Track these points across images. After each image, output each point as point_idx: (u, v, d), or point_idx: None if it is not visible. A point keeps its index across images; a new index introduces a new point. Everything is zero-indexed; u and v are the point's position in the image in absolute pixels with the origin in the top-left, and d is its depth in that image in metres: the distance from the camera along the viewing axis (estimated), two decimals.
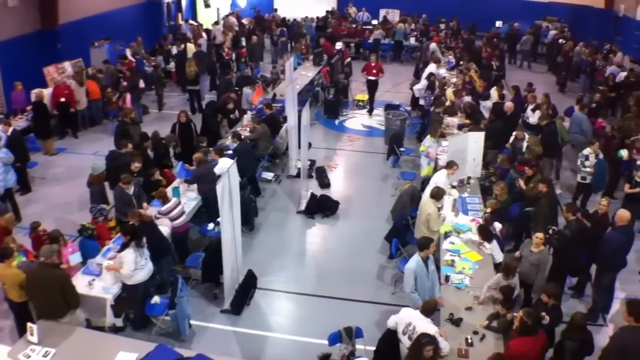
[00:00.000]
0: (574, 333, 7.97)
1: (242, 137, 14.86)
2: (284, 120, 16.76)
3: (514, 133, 14.81)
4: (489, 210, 11.41)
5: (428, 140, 14.28)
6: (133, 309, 9.78)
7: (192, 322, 10.01)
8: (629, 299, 8.15)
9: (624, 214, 10.31)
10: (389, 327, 8.35)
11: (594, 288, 10.65)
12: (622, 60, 24.61)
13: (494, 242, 10.45)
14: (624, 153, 14.49)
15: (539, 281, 9.58)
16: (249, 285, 11.04)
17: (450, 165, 12.33)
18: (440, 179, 12.12)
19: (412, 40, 29.94)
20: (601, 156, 13.64)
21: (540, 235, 9.74)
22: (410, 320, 7.94)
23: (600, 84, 21.82)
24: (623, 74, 21.85)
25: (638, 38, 26.06)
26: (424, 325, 7.80)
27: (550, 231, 10.64)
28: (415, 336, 7.58)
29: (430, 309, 8.06)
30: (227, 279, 10.38)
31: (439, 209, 11.30)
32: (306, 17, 31.79)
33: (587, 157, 13.40)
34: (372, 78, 20.92)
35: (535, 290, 9.63)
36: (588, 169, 13.45)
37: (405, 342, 7.88)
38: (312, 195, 14.36)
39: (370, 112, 21.41)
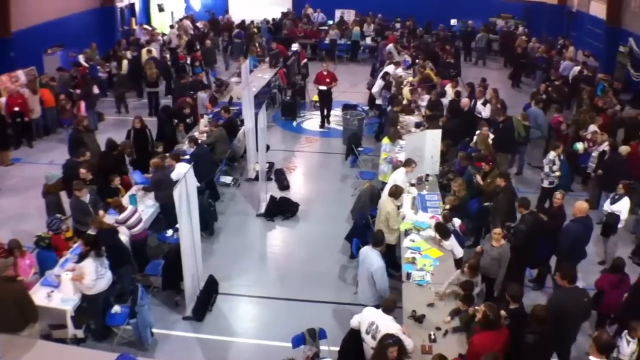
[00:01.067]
0: (535, 326, 8.07)
1: (199, 141, 14.78)
2: (241, 123, 16.68)
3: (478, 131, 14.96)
4: (447, 206, 11.51)
5: (387, 145, 14.27)
6: (94, 320, 9.65)
7: (154, 330, 9.90)
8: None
9: (581, 206, 10.58)
10: (352, 327, 8.38)
11: (554, 280, 10.81)
12: (575, 54, 25.12)
13: (452, 238, 10.56)
14: (579, 146, 14.79)
15: (501, 276, 9.75)
16: (210, 291, 10.97)
17: (408, 163, 12.42)
18: (398, 177, 12.19)
19: (369, 40, 30.16)
20: (562, 157, 13.78)
21: (498, 230, 9.90)
22: (373, 319, 7.99)
23: (555, 79, 22.26)
24: (577, 68, 22.36)
25: (591, 32, 26.60)
26: (387, 323, 7.86)
27: (510, 229, 10.81)
28: (378, 335, 7.64)
29: (390, 306, 8.12)
30: (187, 285, 10.33)
31: (399, 207, 11.39)
32: (265, 19, 31.69)
33: (554, 162, 13.38)
34: (324, 88, 19.68)
35: (496, 285, 9.78)
36: (557, 173, 13.45)
37: (369, 342, 7.94)
38: (272, 197, 14.35)
39: (324, 123, 20.29)
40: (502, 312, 8.15)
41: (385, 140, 14.27)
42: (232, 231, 13.44)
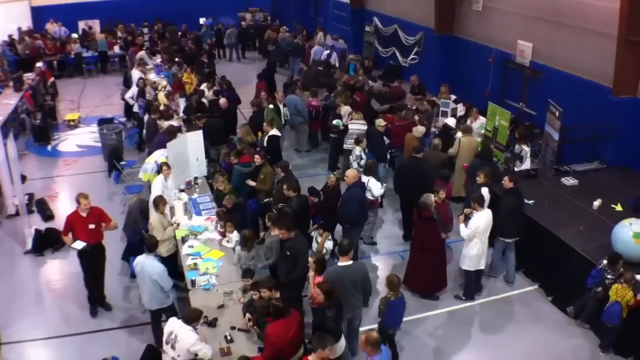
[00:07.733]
0: (330, 300, 8.35)
1: None
2: None
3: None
4: (230, 206, 11.70)
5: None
6: None
7: None
8: None
9: (352, 173, 11.66)
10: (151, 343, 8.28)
11: None
12: (325, 39, 26.53)
13: (235, 232, 10.81)
14: (340, 122, 15.80)
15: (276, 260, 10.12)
16: None
17: (161, 168, 12.45)
18: (156, 185, 12.24)
19: (117, 49, 29.35)
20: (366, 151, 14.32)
21: (267, 221, 10.40)
22: (172, 329, 7.97)
23: (313, 65, 23.50)
24: (326, 52, 23.77)
25: (338, 16, 28.28)
26: (184, 333, 7.84)
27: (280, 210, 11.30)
28: (177, 344, 7.72)
29: (193, 317, 8.08)
30: None
31: (171, 214, 11.36)
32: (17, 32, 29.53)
33: (361, 157, 13.96)
34: (83, 246, 10.70)
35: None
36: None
37: (168, 352, 7.91)
38: (37, 231, 13.45)
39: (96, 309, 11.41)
40: None
41: None
42: (1, 275, 12.46)
